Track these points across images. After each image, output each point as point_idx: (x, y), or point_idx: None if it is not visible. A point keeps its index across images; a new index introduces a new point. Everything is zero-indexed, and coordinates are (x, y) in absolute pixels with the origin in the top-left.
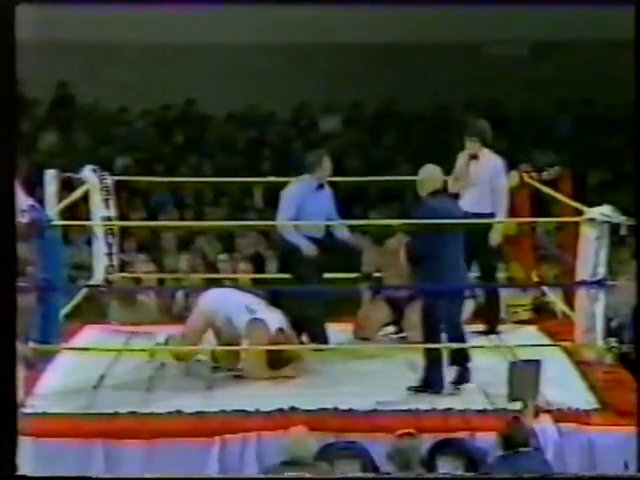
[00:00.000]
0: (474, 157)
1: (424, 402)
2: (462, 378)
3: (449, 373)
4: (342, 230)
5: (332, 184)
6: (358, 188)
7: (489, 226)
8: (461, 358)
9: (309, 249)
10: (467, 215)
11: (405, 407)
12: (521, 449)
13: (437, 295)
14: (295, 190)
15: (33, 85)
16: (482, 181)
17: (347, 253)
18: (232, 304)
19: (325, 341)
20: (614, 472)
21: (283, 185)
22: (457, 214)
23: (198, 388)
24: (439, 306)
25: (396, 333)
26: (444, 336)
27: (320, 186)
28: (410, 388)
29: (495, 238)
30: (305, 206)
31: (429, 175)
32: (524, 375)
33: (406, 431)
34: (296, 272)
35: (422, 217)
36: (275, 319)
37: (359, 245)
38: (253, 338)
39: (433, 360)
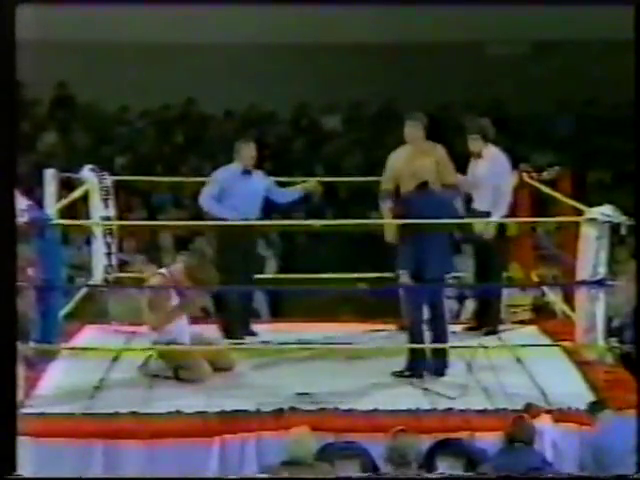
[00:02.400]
0: (478, 155)
1: (424, 402)
2: (440, 369)
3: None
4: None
5: (332, 184)
6: (358, 188)
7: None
8: (440, 351)
9: (232, 216)
10: (456, 209)
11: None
12: (521, 444)
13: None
14: (220, 174)
15: (33, 85)
16: (487, 179)
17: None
18: None
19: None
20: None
21: (284, 185)
22: (447, 206)
23: (198, 388)
24: (421, 298)
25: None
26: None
27: (246, 171)
28: (394, 373)
29: (489, 233)
30: (231, 189)
31: None
32: None
33: (400, 428)
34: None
35: (403, 211)
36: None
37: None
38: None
39: (415, 347)
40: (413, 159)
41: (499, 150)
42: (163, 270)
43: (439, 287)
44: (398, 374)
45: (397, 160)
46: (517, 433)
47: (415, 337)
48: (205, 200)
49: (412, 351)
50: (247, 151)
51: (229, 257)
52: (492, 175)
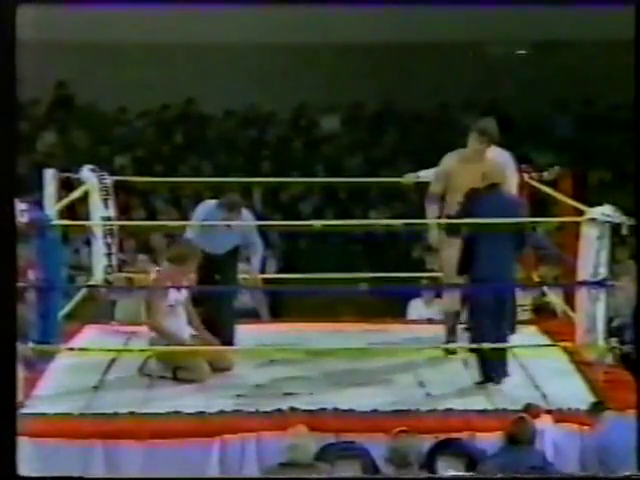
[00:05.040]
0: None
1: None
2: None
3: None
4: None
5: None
6: (358, 188)
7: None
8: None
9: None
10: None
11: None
12: (522, 444)
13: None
14: (201, 216)
15: (33, 85)
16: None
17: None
18: None
19: (231, 342)
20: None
21: (283, 185)
22: (518, 207)
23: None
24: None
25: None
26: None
27: (227, 218)
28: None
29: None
30: (210, 233)
31: None
32: None
33: (402, 429)
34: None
35: (480, 211)
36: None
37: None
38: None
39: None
40: (467, 168)
41: (502, 150)
42: (156, 269)
43: (462, 288)
44: (479, 384)
45: (451, 165)
46: (518, 433)
47: (483, 339)
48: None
49: (483, 355)
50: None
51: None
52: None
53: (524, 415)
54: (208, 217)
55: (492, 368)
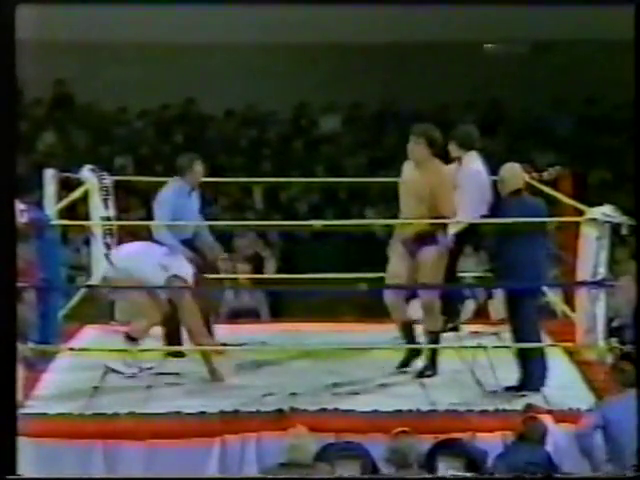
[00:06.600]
0: (459, 161)
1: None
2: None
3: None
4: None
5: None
6: (358, 188)
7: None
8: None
9: (183, 252)
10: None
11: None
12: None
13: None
14: (170, 193)
15: (32, 85)
16: (465, 184)
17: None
18: (145, 264)
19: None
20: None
21: (283, 185)
22: (541, 212)
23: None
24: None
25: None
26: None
27: (192, 189)
28: (508, 389)
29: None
30: (180, 208)
31: (510, 174)
32: None
33: (401, 429)
34: None
35: (505, 217)
36: (186, 266)
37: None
38: (176, 297)
39: (528, 356)
40: (410, 176)
41: (479, 158)
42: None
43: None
44: (512, 389)
45: (402, 175)
46: (528, 433)
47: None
48: (160, 233)
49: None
50: (199, 167)
51: None
52: (467, 182)
53: (535, 415)
54: (177, 202)
55: (533, 373)
